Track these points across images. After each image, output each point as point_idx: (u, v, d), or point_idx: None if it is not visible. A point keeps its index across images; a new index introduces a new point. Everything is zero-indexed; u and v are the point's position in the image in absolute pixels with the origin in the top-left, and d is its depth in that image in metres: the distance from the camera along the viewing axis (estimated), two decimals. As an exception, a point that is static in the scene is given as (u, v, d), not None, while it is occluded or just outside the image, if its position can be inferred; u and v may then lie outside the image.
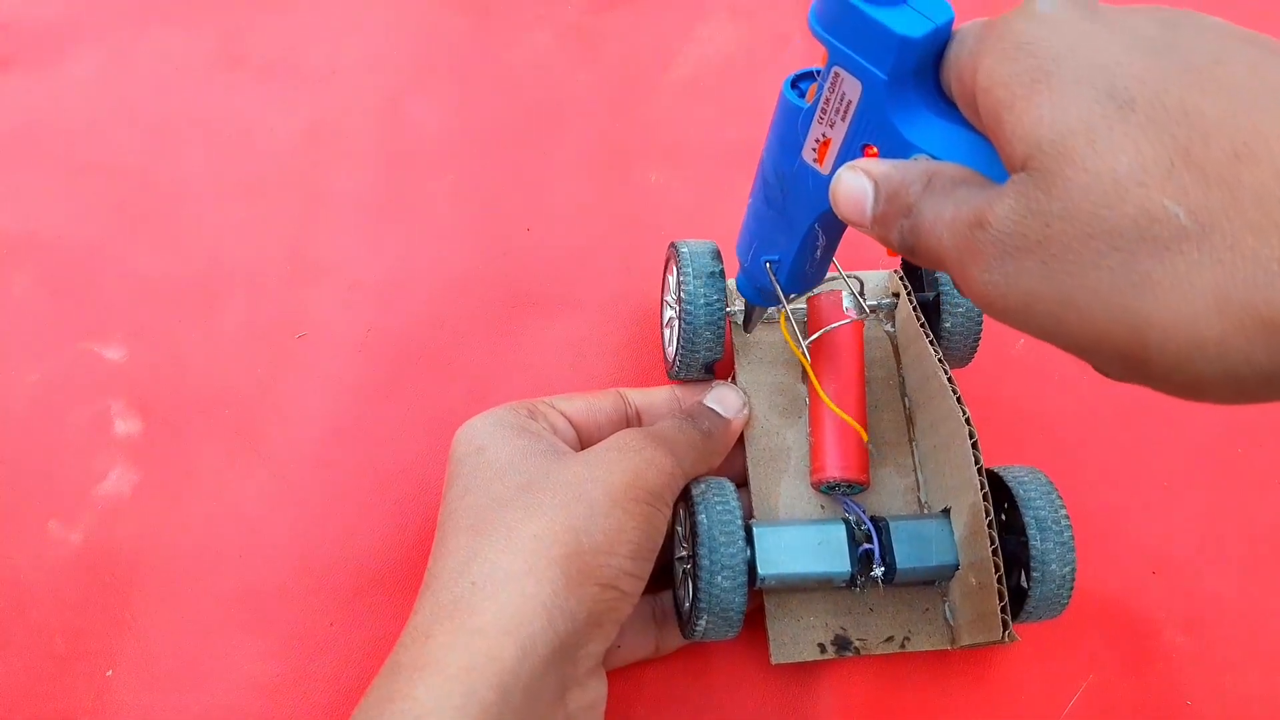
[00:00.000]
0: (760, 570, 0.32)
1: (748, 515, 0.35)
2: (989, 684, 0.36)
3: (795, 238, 0.30)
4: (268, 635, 0.36)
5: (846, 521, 0.34)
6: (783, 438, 0.37)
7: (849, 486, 0.35)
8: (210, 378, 0.42)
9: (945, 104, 0.24)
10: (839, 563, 0.33)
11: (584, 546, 0.29)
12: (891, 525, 0.33)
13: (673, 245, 0.37)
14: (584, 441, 0.35)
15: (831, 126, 0.25)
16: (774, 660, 0.34)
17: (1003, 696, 0.36)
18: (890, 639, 0.34)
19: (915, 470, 0.37)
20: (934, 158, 0.23)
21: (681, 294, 0.35)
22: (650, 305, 0.43)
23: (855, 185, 0.23)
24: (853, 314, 0.36)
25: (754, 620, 0.35)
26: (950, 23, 0.23)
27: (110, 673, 0.35)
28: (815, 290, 0.36)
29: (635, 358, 0.42)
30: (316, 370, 0.42)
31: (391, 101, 0.49)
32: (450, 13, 0.52)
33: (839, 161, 0.26)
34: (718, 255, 0.36)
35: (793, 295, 0.33)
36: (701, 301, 0.35)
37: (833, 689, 0.35)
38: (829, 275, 0.34)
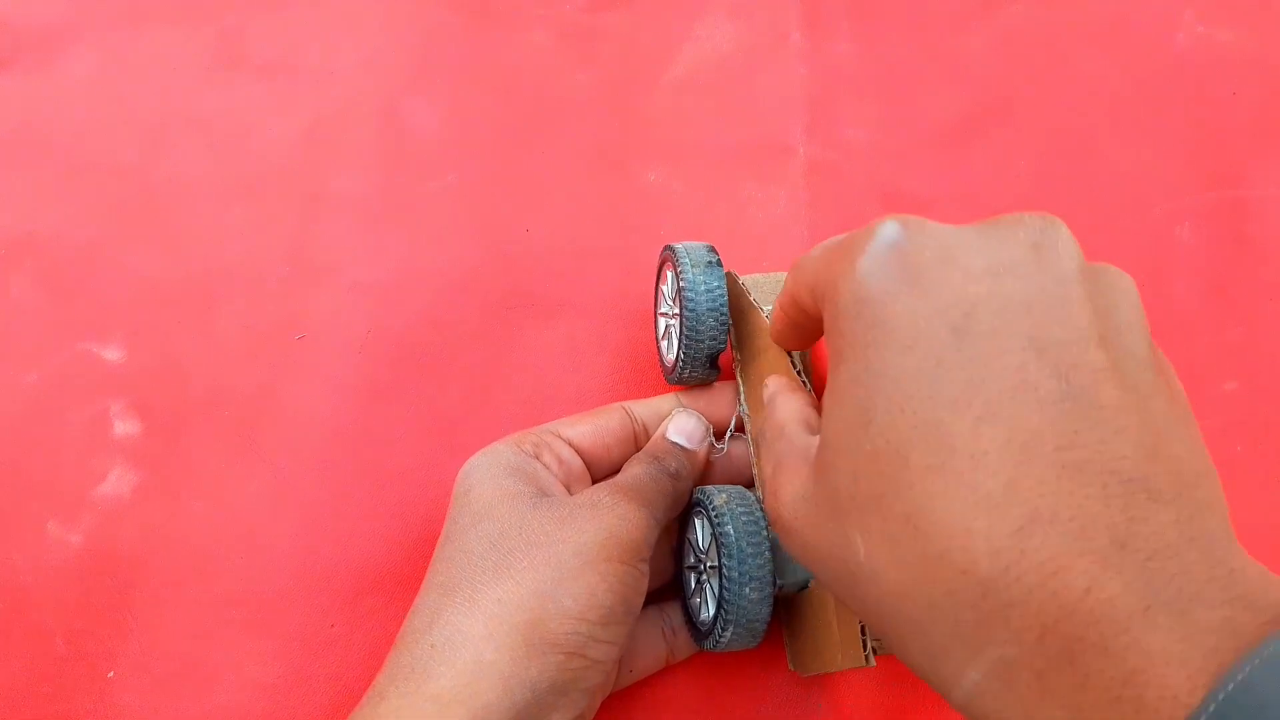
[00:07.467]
0: (779, 578, 0.32)
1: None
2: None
3: None
4: (269, 637, 0.36)
5: None
6: None
7: None
8: (210, 378, 0.41)
9: None
10: None
11: (549, 612, 0.28)
12: None
13: (668, 248, 0.38)
14: (593, 467, 0.35)
15: None
16: (792, 667, 0.34)
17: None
18: None
19: None
20: None
21: (681, 284, 0.35)
22: (650, 305, 0.43)
23: None
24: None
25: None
26: None
27: (111, 674, 0.35)
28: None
29: (635, 358, 0.42)
30: (316, 371, 0.42)
31: (390, 101, 0.49)
32: (449, 12, 0.52)
33: None
34: (713, 250, 0.37)
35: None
36: (703, 288, 0.35)
37: (839, 688, 0.35)
38: None
